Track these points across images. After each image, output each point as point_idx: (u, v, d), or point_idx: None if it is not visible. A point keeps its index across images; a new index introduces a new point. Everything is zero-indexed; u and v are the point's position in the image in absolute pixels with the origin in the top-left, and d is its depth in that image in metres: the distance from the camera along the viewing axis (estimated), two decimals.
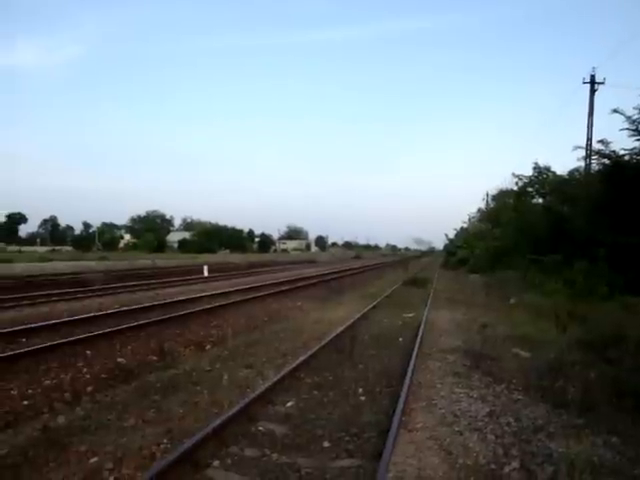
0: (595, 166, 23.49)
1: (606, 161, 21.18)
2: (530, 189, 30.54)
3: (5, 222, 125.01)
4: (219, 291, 19.81)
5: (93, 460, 4.62)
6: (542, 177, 29.14)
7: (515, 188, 32.36)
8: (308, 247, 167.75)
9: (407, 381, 7.00)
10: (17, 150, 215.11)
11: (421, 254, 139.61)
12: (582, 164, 25.07)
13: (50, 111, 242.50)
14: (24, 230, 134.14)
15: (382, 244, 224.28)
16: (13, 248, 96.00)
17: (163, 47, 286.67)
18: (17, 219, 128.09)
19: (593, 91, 25.53)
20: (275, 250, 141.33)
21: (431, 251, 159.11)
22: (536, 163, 28.91)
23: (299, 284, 25.37)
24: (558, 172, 28.57)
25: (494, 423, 5.75)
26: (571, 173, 27.53)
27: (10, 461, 4.65)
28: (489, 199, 51.72)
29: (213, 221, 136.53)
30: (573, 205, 23.43)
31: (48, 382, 7.36)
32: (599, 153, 21.85)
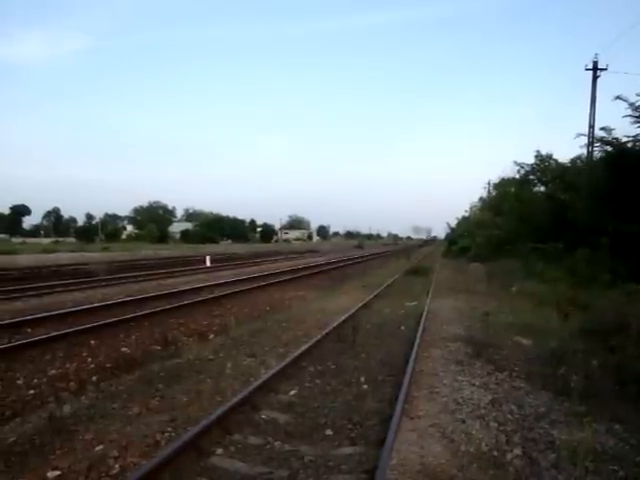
0: (597, 153, 23.41)
1: (609, 148, 21.11)
2: (532, 177, 30.46)
3: (9, 214, 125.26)
4: (222, 281, 19.86)
5: (98, 448, 4.67)
6: (544, 165, 29.05)
7: (517, 176, 32.30)
8: (310, 237, 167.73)
9: (409, 369, 7.02)
10: (21, 142, 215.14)
11: (423, 243, 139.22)
12: (584, 152, 24.98)
13: (53, 103, 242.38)
14: (28, 222, 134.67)
15: (384, 233, 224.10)
16: (17, 240, 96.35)
17: (168, 37, 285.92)
18: (21, 211, 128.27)
19: (595, 78, 25.30)
20: (277, 240, 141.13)
21: (432, 240, 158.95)
22: (538, 151, 28.84)
23: (301, 274, 25.41)
24: (560, 160, 28.50)
25: (496, 411, 5.77)
26: (573, 161, 27.42)
27: (18, 449, 4.71)
28: (491, 188, 51.60)
29: (215, 211, 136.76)
30: (575, 193, 23.37)
31: (54, 372, 7.43)
32: (602, 140, 21.78)
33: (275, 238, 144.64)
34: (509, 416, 5.62)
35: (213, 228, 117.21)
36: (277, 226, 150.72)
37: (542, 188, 30.04)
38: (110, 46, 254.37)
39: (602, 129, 21.50)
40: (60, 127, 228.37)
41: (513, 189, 34.01)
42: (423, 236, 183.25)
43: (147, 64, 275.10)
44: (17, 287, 16.84)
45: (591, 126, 24.07)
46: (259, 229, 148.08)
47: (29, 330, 10.03)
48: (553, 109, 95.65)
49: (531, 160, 29.45)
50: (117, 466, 4.32)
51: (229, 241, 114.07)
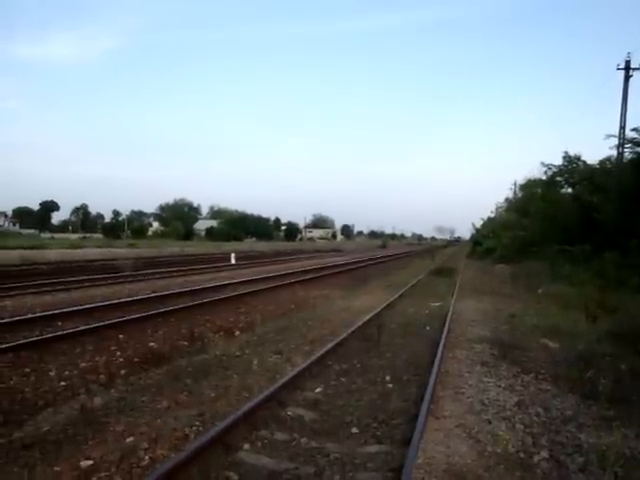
0: (628, 155, 23.00)
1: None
2: (559, 178, 30.04)
3: (38, 210, 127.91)
4: (246, 278, 20.02)
5: (129, 440, 4.77)
6: (572, 166, 28.62)
7: (544, 177, 31.88)
8: (334, 236, 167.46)
9: (434, 369, 7.01)
10: (50, 140, 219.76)
11: (447, 243, 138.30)
12: (614, 153, 24.54)
13: (82, 101, 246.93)
14: (56, 218, 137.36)
15: (408, 233, 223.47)
16: (46, 235, 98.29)
17: (192, 38, 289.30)
18: (50, 207, 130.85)
19: (628, 77, 24.84)
20: (301, 239, 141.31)
21: (457, 240, 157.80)
22: (566, 152, 28.42)
23: (326, 272, 25.47)
24: (589, 161, 28.03)
25: (523, 413, 5.75)
26: (602, 162, 26.95)
27: (52, 437, 4.84)
28: (517, 189, 51.02)
29: (240, 209, 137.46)
30: (604, 195, 22.99)
31: (84, 364, 7.58)
32: (632, 141, 21.40)
33: (299, 237, 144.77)
34: (535, 418, 5.59)
35: (238, 226, 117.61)
36: (301, 225, 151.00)
37: (570, 190, 29.62)
38: (130, 47, 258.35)
39: (634, 130, 21.15)
40: (87, 126, 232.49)
41: (540, 190, 33.59)
42: (447, 236, 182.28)
43: (169, 64, 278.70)
44: (46, 281, 17.21)
45: (622, 127, 23.63)
46: (283, 227, 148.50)
47: (59, 323, 10.26)
48: (583, 110, 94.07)
49: (559, 161, 29.06)
50: (147, 457, 4.42)
51: (253, 239, 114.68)
